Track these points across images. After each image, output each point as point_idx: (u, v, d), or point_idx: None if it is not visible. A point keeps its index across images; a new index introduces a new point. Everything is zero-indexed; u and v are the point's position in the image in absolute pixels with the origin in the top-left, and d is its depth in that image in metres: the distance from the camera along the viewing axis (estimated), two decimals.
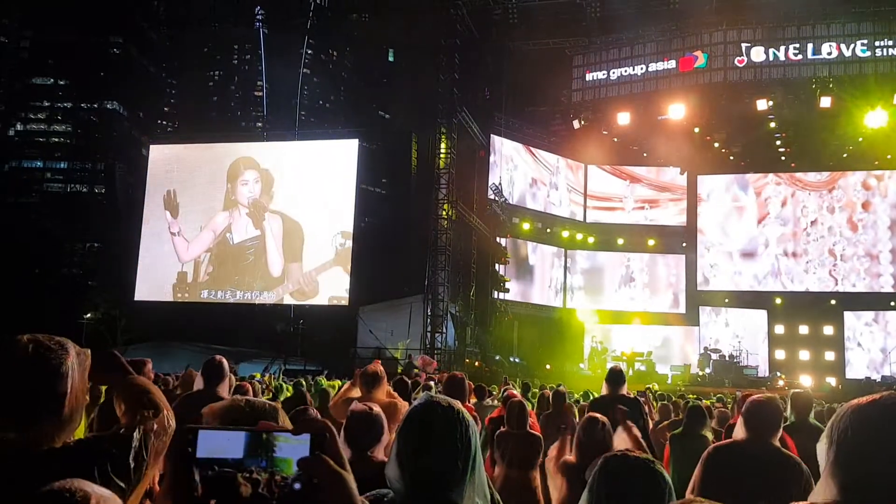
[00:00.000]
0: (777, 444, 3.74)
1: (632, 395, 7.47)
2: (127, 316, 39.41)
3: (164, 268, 29.35)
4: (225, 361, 5.33)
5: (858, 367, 28.19)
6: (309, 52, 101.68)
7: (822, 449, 1.73)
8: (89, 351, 2.15)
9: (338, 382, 12.78)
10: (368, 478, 1.83)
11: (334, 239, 27.81)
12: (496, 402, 9.13)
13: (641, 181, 32.03)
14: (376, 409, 3.36)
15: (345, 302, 27.46)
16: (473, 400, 9.08)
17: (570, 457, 4.08)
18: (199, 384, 4.94)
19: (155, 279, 29.48)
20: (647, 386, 13.76)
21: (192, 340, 30.40)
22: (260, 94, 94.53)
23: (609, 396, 6.63)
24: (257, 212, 28.74)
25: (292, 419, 2.27)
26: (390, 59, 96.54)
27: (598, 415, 4.15)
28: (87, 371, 2.07)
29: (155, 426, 2.04)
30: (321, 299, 27.73)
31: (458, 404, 1.88)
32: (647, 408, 7.73)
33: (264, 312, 30.92)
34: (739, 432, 3.76)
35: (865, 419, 1.64)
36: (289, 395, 10.42)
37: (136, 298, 30.30)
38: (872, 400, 1.68)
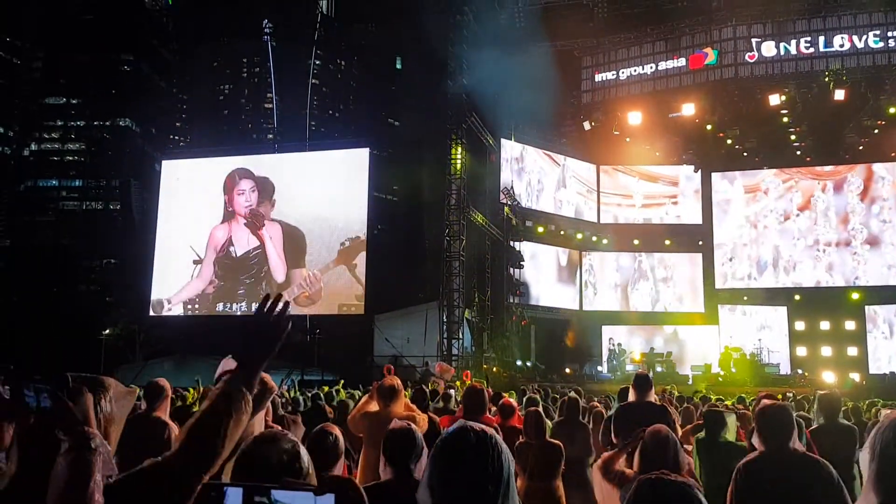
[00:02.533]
0: (798, 447, 3.75)
1: (658, 402, 7.33)
2: (146, 331, 39.64)
3: (175, 282, 29.54)
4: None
5: (882, 362, 27.81)
6: (317, 62, 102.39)
7: (864, 459, 1.72)
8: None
9: (357, 392, 12.69)
10: (413, 498, 1.89)
11: (337, 242, 27.79)
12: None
13: (655, 180, 31.82)
14: (421, 423, 3.40)
15: (356, 309, 27.45)
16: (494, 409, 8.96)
17: (629, 469, 3.93)
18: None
19: (169, 293, 29.63)
20: (664, 388, 13.52)
21: (211, 354, 30.45)
22: (270, 106, 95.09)
23: (637, 403, 6.55)
24: (255, 221, 28.84)
25: (317, 477, 2.28)
26: (398, 66, 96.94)
27: (665, 429, 3.88)
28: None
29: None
30: (331, 306, 27.70)
31: (490, 430, 1.89)
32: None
33: None
34: (759, 443, 3.78)
35: None
36: (306, 406, 10.38)
37: (151, 314, 30.46)
38: None
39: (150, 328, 36.45)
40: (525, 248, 29.22)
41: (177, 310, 29.47)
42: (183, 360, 30.03)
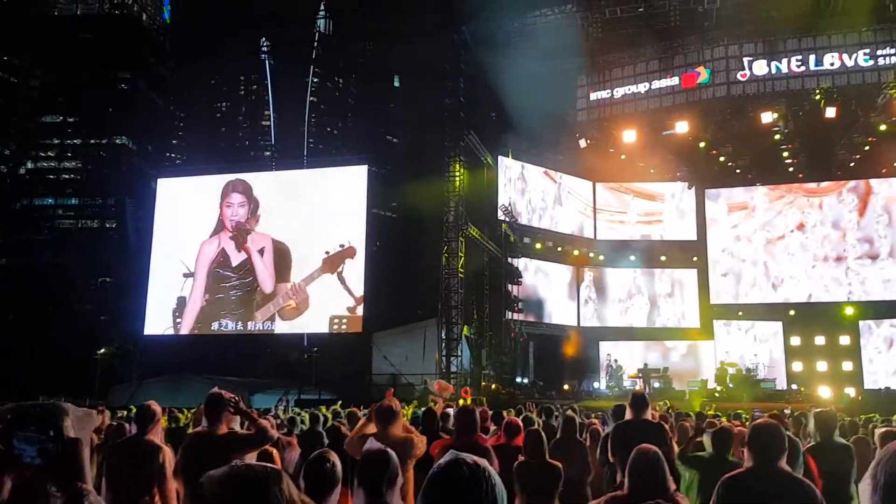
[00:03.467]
0: (786, 467, 3.72)
1: (656, 420, 7.39)
2: (141, 350, 39.55)
3: (170, 302, 29.58)
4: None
5: (877, 377, 27.94)
6: (315, 80, 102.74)
7: (865, 489, 1.68)
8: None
9: (358, 411, 12.71)
10: None
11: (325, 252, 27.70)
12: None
13: (650, 197, 32.07)
14: (419, 445, 3.24)
15: (348, 323, 27.36)
16: (493, 427, 9.03)
17: (620, 491, 3.86)
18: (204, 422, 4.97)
19: (164, 312, 29.67)
20: (668, 407, 13.58)
21: (206, 373, 30.43)
22: (267, 123, 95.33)
23: (633, 421, 6.58)
24: (240, 234, 28.93)
25: None
26: (396, 84, 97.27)
27: (652, 448, 3.84)
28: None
29: None
30: (321, 319, 27.51)
31: (483, 462, 1.83)
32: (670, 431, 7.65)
33: (278, 342, 30.98)
34: (747, 460, 3.75)
35: None
36: (305, 426, 10.41)
37: (146, 333, 30.48)
38: None
39: (145, 347, 36.40)
40: (525, 264, 29.38)
41: (184, 329, 29.50)
42: (178, 380, 29.95)
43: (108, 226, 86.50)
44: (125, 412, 14.17)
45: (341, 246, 27.39)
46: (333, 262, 27.44)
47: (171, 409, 14.13)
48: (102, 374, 39.20)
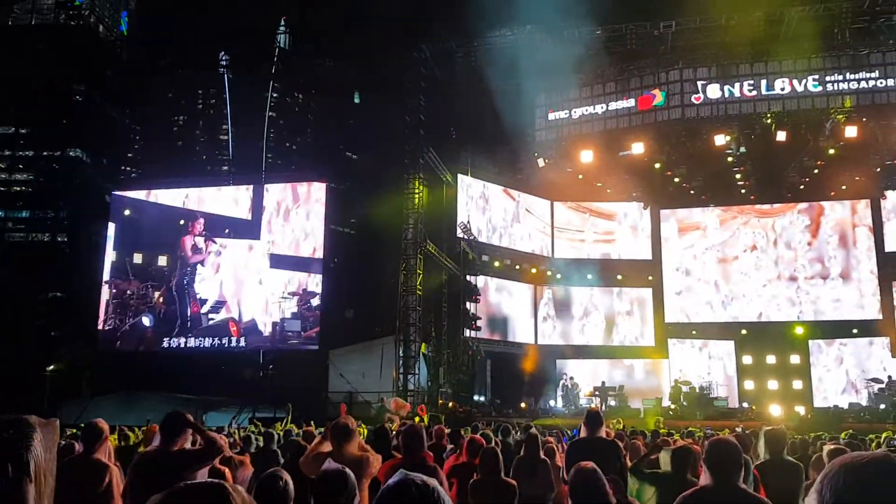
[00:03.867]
0: (742, 485, 3.74)
1: (610, 437, 7.44)
2: (92, 366, 38.67)
3: (124, 316, 29.15)
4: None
5: (826, 395, 28.54)
6: (274, 95, 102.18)
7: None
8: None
9: (313, 429, 12.57)
10: None
11: (289, 279, 27.94)
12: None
13: (607, 217, 32.47)
14: (374, 464, 3.23)
15: (302, 342, 27.48)
16: (450, 446, 9.00)
17: None
18: (156, 440, 4.88)
19: (116, 328, 29.20)
20: (622, 427, 13.71)
21: (159, 390, 29.88)
22: (226, 138, 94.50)
23: (588, 439, 6.63)
24: (201, 254, 28.74)
25: None
26: (356, 100, 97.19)
27: (590, 465, 3.91)
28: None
29: None
30: (276, 335, 27.69)
31: (432, 482, 1.82)
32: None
33: (232, 359, 30.58)
34: (705, 478, 3.75)
35: (860, 480, 1.60)
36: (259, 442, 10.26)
37: (99, 349, 29.90)
38: (868, 460, 1.64)
39: (97, 363, 35.57)
40: (484, 282, 29.47)
41: (137, 345, 29.12)
42: (129, 397, 29.41)
43: (59, 239, 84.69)
44: (75, 430, 13.82)
45: (311, 279, 27.83)
46: (304, 296, 27.66)
47: (120, 427, 13.83)
48: (52, 391, 38.20)
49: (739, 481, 3.70)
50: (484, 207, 30.35)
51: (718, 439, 3.93)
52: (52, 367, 43.79)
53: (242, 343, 28.23)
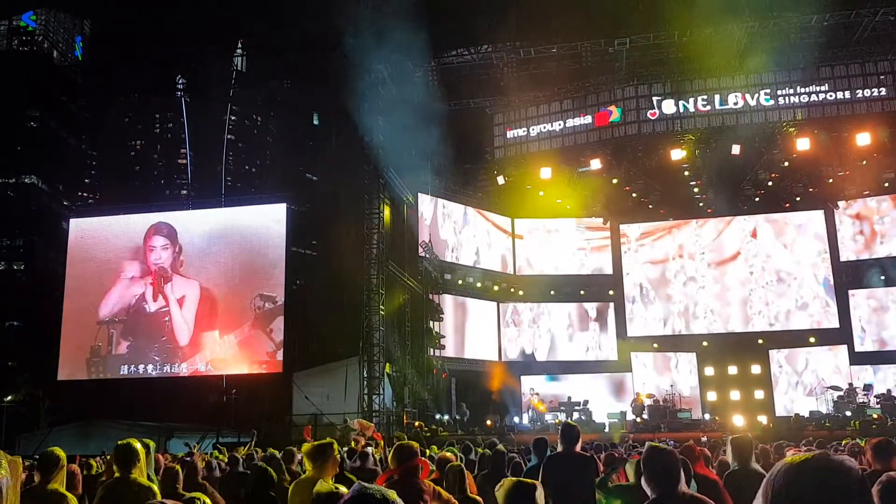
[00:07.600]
0: (687, 490, 3.75)
1: (588, 453, 7.41)
2: (51, 396, 37.82)
3: (84, 344, 28.62)
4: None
5: (787, 404, 28.95)
6: (233, 117, 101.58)
7: None
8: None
9: (275, 451, 12.37)
10: None
11: (253, 302, 27.71)
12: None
13: (567, 232, 32.69)
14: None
15: (269, 366, 27.27)
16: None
17: None
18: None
19: (77, 357, 28.62)
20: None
21: (120, 418, 29.31)
22: (184, 161, 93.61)
23: (564, 454, 6.59)
24: (161, 279, 28.39)
25: None
26: (315, 122, 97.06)
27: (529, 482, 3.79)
28: None
29: None
30: (242, 366, 27.49)
31: (392, 494, 1.81)
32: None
33: (195, 384, 30.13)
34: (649, 489, 3.76)
35: (798, 478, 1.65)
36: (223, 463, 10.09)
37: (59, 378, 29.23)
38: (804, 460, 1.69)
39: (55, 393, 34.79)
40: (447, 300, 29.45)
41: (97, 374, 28.63)
42: (90, 426, 28.83)
43: (15, 267, 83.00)
44: (33, 460, 13.46)
45: (274, 304, 27.40)
46: (266, 319, 27.50)
47: (80, 457, 13.50)
48: (9, 423, 37.27)
49: (680, 488, 3.69)
50: (444, 226, 30.39)
51: (652, 449, 3.89)
52: (8, 398, 42.76)
53: (187, 368, 27.98)
